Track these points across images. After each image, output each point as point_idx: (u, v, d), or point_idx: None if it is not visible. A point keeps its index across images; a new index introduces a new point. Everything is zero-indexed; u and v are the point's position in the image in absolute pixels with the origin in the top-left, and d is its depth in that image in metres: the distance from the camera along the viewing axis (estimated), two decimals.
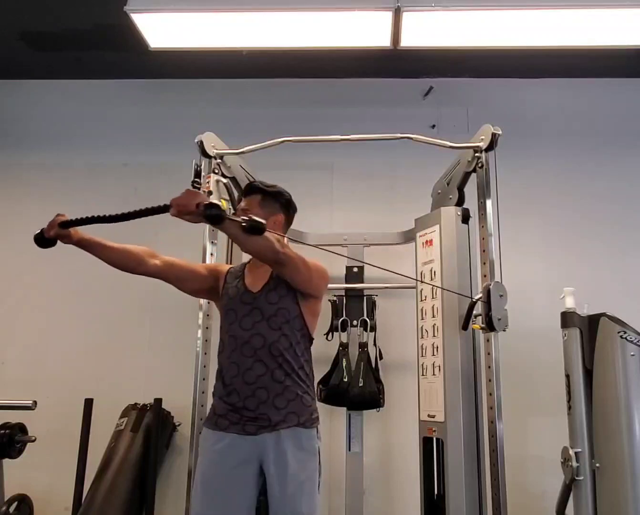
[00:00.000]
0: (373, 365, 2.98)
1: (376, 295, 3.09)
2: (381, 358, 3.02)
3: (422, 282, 2.62)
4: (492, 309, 2.26)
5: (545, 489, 2.90)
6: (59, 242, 1.88)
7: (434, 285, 2.52)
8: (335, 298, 3.09)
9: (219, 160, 2.66)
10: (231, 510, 1.83)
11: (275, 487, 1.82)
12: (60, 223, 1.80)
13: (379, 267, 2.21)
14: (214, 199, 2.53)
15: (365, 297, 3.08)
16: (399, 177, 3.53)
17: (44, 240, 1.84)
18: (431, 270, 2.58)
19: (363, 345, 3.01)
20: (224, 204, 2.61)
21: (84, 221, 1.82)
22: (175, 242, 3.46)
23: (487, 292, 2.29)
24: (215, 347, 2.06)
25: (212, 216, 1.66)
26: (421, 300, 2.65)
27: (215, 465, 1.87)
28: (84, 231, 1.90)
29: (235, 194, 2.79)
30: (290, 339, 1.92)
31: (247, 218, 1.70)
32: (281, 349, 1.90)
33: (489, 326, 2.29)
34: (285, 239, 2.00)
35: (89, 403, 3.03)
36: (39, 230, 1.84)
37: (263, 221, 1.70)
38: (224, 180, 2.63)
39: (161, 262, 2.01)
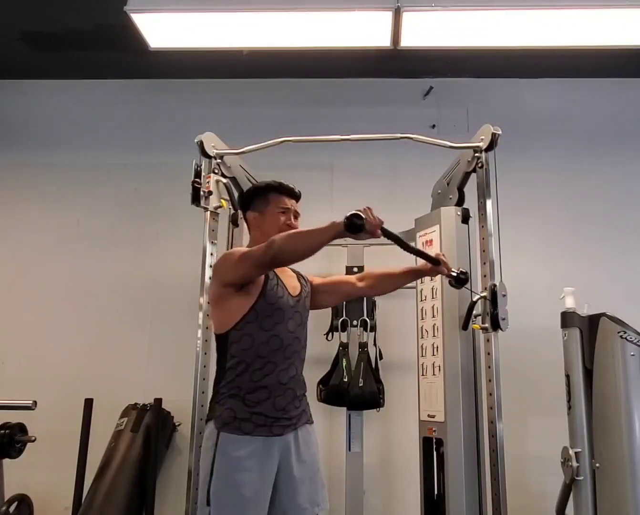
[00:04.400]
0: (373, 365, 2.98)
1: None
2: (381, 358, 3.02)
3: (420, 284, 2.62)
4: (498, 308, 2.26)
5: (545, 489, 2.90)
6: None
7: (430, 288, 2.52)
8: None
9: (219, 160, 2.66)
10: (264, 511, 1.82)
11: (297, 481, 1.86)
12: (382, 228, 1.84)
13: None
14: (213, 199, 2.55)
15: (365, 298, 3.08)
16: (399, 177, 3.53)
17: (356, 226, 1.75)
18: None
19: (363, 345, 3.00)
20: (224, 204, 2.61)
21: (393, 237, 1.90)
22: (176, 243, 3.49)
23: (493, 291, 2.29)
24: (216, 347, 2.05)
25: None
26: (421, 300, 2.65)
27: (251, 471, 1.79)
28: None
29: (235, 194, 2.79)
30: (306, 344, 2.04)
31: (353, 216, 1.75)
32: (304, 354, 2.02)
33: (494, 326, 2.29)
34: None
35: (89, 403, 3.03)
36: (360, 217, 1.76)
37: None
38: (224, 180, 2.63)
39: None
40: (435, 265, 2.07)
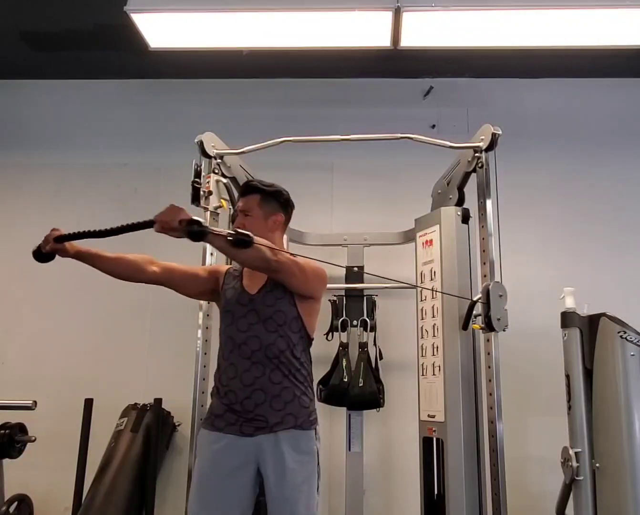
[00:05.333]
0: (373, 365, 2.97)
1: (376, 295, 3.08)
2: (381, 358, 3.02)
3: (418, 286, 2.62)
4: (491, 309, 2.26)
5: (545, 489, 2.90)
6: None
7: (430, 289, 2.52)
8: (335, 298, 3.09)
9: (219, 160, 2.66)
10: (227, 511, 1.83)
11: (273, 489, 1.81)
12: (55, 238, 1.82)
13: (376, 275, 2.22)
14: (213, 199, 2.55)
15: (365, 297, 3.08)
16: (399, 177, 3.53)
17: (41, 255, 1.86)
18: (431, 271, 2.58)
19: (363, 345, 3.01)
20: (224, 204, 2.61)
21: (77, 235, 1.84)
22: (176, 244, 3.47)
23: (487, 293, 2.29)
24: (216, 347, 2.06)
25: (194, 233, 1.66)
26: (421, 300, 2.65)
27: (212, 465, 1.87)
28: (80, 243, 1.91)
29: (236, 194, 2.79)
30: (287, 340, 1.91)
31: (232, 232, 1.71)
32: (277, 351, 1.89)
33: (488, 326, 2.29)
34: (285, 237, 2.00)
35: (89, 403, 3.03)
36: (37, 246, 1.86)
37: (249, 233, 1.72)
38: (224, 180, 2.63)
39: (160, 268, 2.03)
40: (151, 227, 1.78)
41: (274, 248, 1.86)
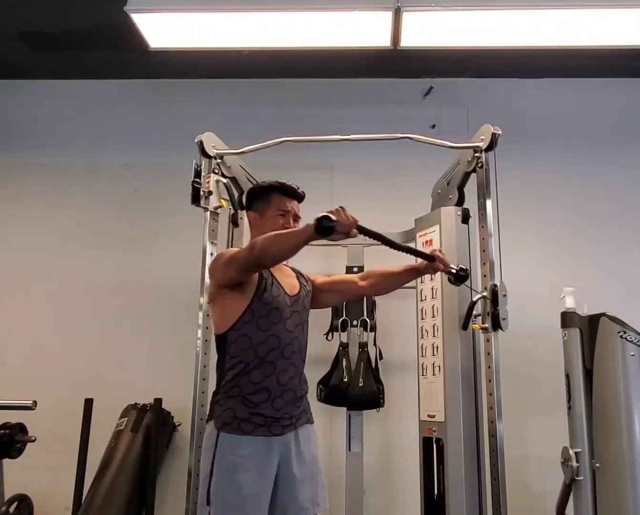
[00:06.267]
0: (373, 365, 2.97)
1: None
2: (381, 358, 3.01)
3: (418, 285, 2.63)
4: (499, 307, 2.26)
5: (545, 489, 2.90)
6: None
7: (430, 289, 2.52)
8: None
9: (219, 160, 2.66)
10: (264, 511, 1.82)
11: (297, 481, 1.85)
12: (360, 227, 1.78)
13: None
14: (213, 199, 2.55)
15: (365, 297, 3.08)
16: (399, 177, 3.53)
17: (327, 228, 1.69)
18: None
19: (363, 345, 3.00)
20: (224, 204, 2.61)
21: (371, 233, 1.85)
22: (176, 243, 3.48)
23: (493, 291, 2.29)
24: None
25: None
26: (421, 300, 2.65)
27: (251, 471, 1.78)
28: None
29: (235, 194, 2.79)
30: (306, 343, 2.02)
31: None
32: (305, 353, 2.00)
33: (495, 325, 2.28)
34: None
35: (89, 403, 3.03)
36: (328, 217, 1.69)
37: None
38: (224, 180, 2.63)
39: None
40: (430, 262, 2.03)
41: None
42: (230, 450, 1.80)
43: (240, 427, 1.81)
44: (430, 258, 2.02)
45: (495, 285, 2.30)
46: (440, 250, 2.07)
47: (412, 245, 2.80)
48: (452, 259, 2.24)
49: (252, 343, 1.87)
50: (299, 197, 2.07)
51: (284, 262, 2.04)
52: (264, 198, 2.04)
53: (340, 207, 1.73)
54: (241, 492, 1.76)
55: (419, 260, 2.12)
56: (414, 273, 2.16)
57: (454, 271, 2.08)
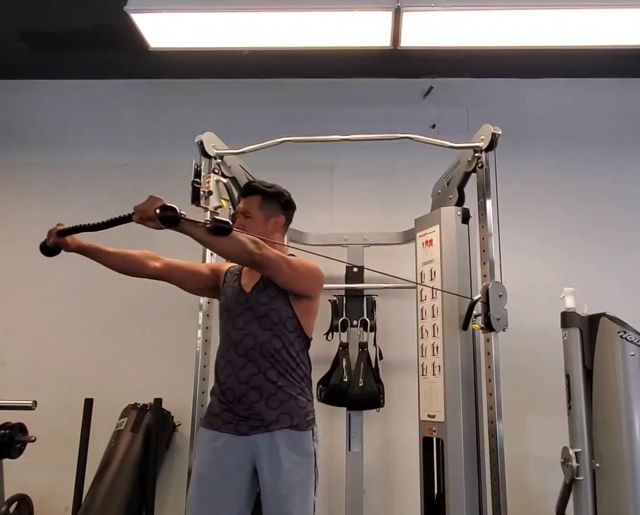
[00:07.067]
0: (373, 365, 2.98)
1: (376, 295, 3.09)
2: (381, 358, 3.02)
3: (419, 283, 2.62)
4: (490, 309, 2.26)
5: (545, 489, 2.90)
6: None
7: (431, 287, 2.52)
8: (335, 298, 3.09)
9: (219, 160, 2.66)
10: (225, 510, 1.84)
11: (268, 488, 1.82)
12: (58, 232, 1.92)
13: (376, 270, 2.21)
14: (213, 199, 2.55)
15: (365, 297, 3.08)
16: (399, 177, 3.53)
17: (47, 248, 1.97)
18: (431, 270, 2.58)
19: (363, 345, 3.00)
20: (224, 204, 2.61)
21: (76, 229, 1.92)
22: (175, 242, 3.47)
23: (486, 292, 2.29)
24: (216, 346, 2.06)
25: (167, 218, 1.61)
26: (421, 300, 2.65)
27: (210, 464, 1.88)
28: (84, 238, 1.95)
29: (236, 194, 2.79)
30: (282, 339, 1.90)
31: (209, 219, 1.71)
32: (272, 349, 1.88)
33: (488, 326, 2.29)
34: (286, 238, 1.99)
35: (89, 403, 3.03)
36: (43, 240, 1.96)
37: (228, 220, 1.72)
38: (224, 180, 2.63)
39: (162, 264, 2.03)
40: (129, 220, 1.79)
41: (263, 240, 1.83)
42: (200, 442, 1.96)
43: (211, 421, 1.92)
44: (129, 217, 1.78)
45: (487, 286, 2.30)
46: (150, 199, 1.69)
47: (412, 245, 2.81)
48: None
49: (219, 344, 2.01)
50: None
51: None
52: (291, 214, 2.13)
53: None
54: (196, 482, 1.90)
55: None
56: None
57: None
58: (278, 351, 1.89)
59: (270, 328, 1.91)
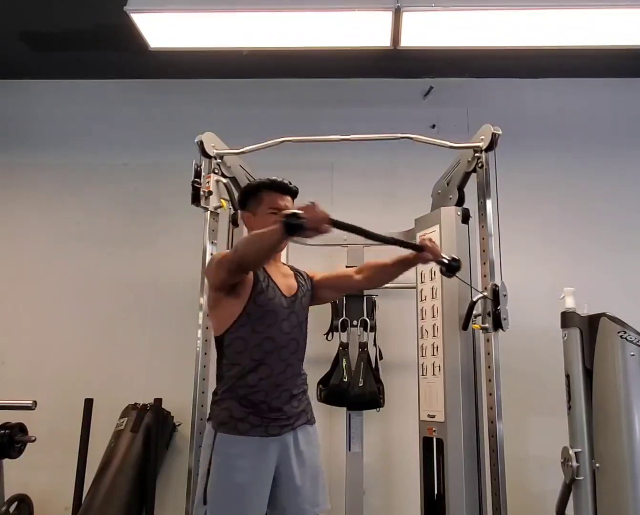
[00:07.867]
0: (373, 365, 2.98)
1: (376, 296, 3.08)
2: (381, 358, 3.02)
3: (419, 284, 2.62)
4: (500, 307, 2.26)
5: (545, 489, 2.90)
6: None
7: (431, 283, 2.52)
8: None
9: (219, 160, 2.66)
10: (261, 511, 1.84)
11: (296, 482, 1.85)
12: (332, 221, 1.64)
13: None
14: (213, 199, 2.55)
15: (365, 297, 3.08)
16: (399, 177, 3.53)
17: (295, 226, 1.60)
18: (431, 270, 2.58)
19: (363, 345, 3.00)
20: (224, 204, 2.61)
21: (345, 226, 1.72)
22: (176, 243, 3.49)
23: (494, 291, 2.29)
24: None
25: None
26: (421, 300, 2.65)
27: (251, 471, 1.80)
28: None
29: (235, 194, 2.79)
30: (305, 342, 2.01)
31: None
32: (303, 353, 1.99)
33: (496, 325, 2.28)
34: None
35: (89, 403, 3.03)
36: (295, 214, 1.61)
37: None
38: (224, 180, 2.63)
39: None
40: (418, 252, 1.96)
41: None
42: (226, 450, 1.82)
43: (236, 427, 1.82)
44: (418, 248, 1.97)
45: (496, 285, 2.30)
46: (430, 240, 2.02)
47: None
48: None
49: (247, 346, 1.87)
50: (291, 192, 2.02)
51: (282, 262, 2.09)
52: (255, 197, 2.01)
53: (311, 202, 1.62)
54: (236, 492, 1.78)
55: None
56: (404, 264, 2.06)
57: (445, 261, 2.00)
58: (304, 354, 2.01)
59: (305, 333, 2.01)
